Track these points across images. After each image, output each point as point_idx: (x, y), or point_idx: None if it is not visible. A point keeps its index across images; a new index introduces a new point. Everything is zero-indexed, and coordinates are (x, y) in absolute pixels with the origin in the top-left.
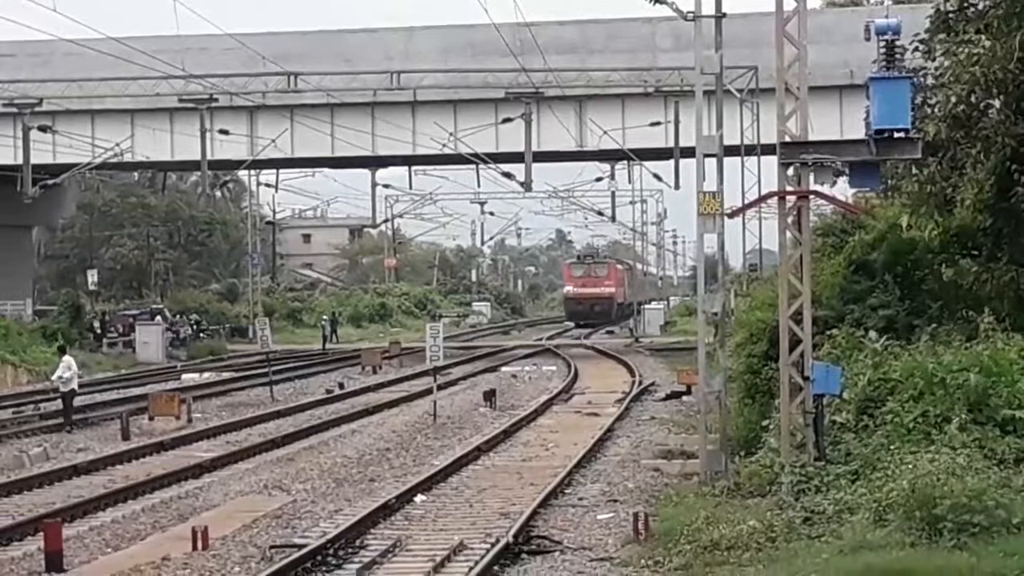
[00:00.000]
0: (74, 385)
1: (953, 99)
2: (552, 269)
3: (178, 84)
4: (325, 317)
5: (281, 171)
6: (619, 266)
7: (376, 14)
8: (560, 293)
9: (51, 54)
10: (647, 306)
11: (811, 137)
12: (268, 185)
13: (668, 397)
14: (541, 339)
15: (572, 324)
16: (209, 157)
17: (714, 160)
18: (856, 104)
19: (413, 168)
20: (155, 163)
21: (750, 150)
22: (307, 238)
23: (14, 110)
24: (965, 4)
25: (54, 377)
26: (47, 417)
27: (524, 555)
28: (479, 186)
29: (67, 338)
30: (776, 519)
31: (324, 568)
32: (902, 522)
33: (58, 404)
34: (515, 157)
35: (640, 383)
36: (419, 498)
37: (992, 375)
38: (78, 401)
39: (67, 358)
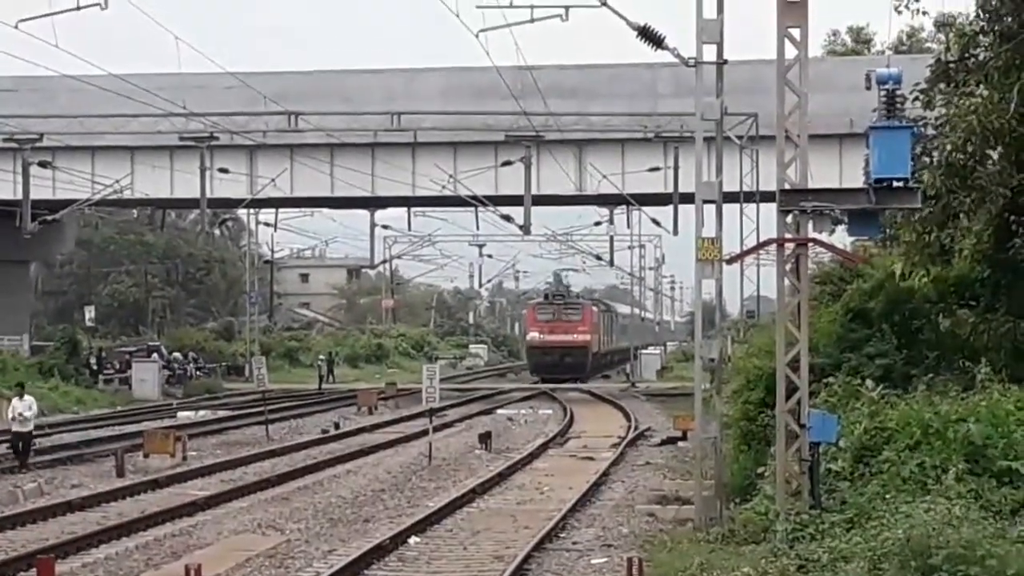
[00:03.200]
0: (31, 427)
1: (949, 147)
2: None
3: (179, 122)
4: (322, 357)
5: (280, 210)
6: (594, 308)
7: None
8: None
9: (52, 90)
10: (644, 351)
11: (810, 185)
12: (267, 224)
13: (664, 442)
14: (537, 382)
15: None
16: (208, 195)
17: (713, 206)
18: (856, 153)
19: (412, 209)
20: (154, 200)
21: (749, 197)
22: (305, 278)
23: (14, 145)
24: (965, 55)
25: (14, 415)
26: (42, 453)
27: None
28: (478, 228)
29: (63, 374)
30: (770, 567)
31: None
32: (897, 572)
33: (55, 440)
34: (514, 200)
35: (636, 428)
36: (413, 540)
37: (989, 426)
38: (75, 437)
39: (29, 397)
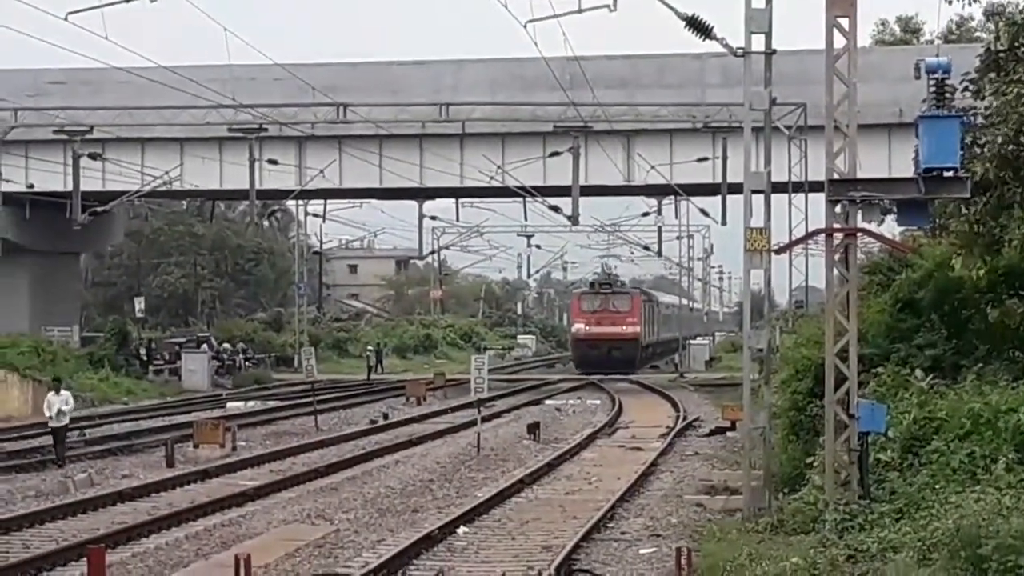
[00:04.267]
0: (67, 420)
1: (1000, 139)
2: None
3: (228, 113)
4: (370, 347)
5: (329, 201)
6: (642, 297)
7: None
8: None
9: (102, 82)
10: (693, 341)
11: (859, 175)
12: (316, 215)
13: (712, 433)
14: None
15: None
16: (257, 187)
17: (762, 196)
18: (905, 143)
19: (460, 200)
20: (204, 192)
21: (798, 187)
22: (353, 269)
23: (65, 137)
24: (1016, 44)
25: (52, 412)
26: (92, 443)
27: None
28: (526, 219)
29: (113, 365)
30: (819, 557)
31: None
32: (946, 562)
33: (105, 430)
34: (562, 191)
35: (684, 418)
36: (462, 530)
37: None
38: (125, 427)
39: (65, 392)
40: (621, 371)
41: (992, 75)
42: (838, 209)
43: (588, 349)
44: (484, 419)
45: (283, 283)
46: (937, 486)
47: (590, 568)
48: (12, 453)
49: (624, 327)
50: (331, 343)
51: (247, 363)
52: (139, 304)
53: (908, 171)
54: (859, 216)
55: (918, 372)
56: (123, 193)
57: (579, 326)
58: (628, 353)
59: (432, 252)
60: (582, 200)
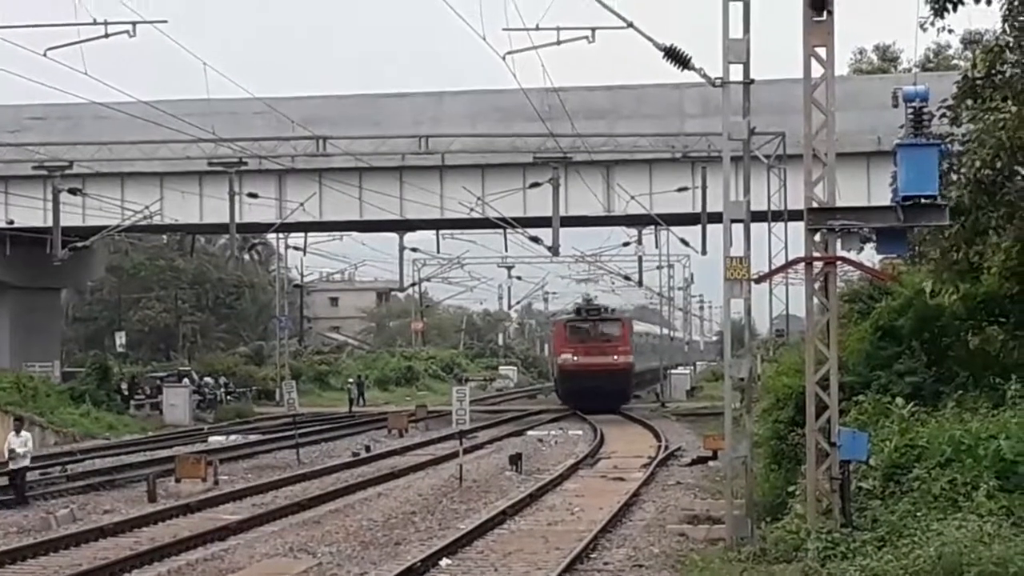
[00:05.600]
0: (27, 462)
1: (978, 163)
2: None
3: (208, 147)
4: (351, 380)
5: (309, 234)
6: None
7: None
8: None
9: (81, 117)
10: (674, 371)
11: (839, 203)
12: (296, 248)
13: (694, 462)
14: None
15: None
16: (238, 220)
17: (741, 225)
18: (884, 170)
19: (441, 232)
20: (184, 226)
21: (777, 216)
22: (334, 301)
23: (44, 173)
24: (992, 71)
25: (10, 451)
26: (74, 478)
27: None
28: (506, 250)
29: (94, 400)
30: None
31: None
32: None
33: (87, 466)
34: (542, 221)
35: (666, 448)
36: (444, 562)
37: (1020, 442)
38: (107, 462)
39: (25, 433)
40: (611, 405)
41: (969, 102)
42: (817, 238)
43: (576, 381)
44: (466, 451)
45: (264, 316)
46: (919, 514)
47: None
48: None
49: (615, 356)
50: (312, 376)
51: (228, 397)
52: (120, 339)
53: (887, 199)
54: (839, 244)
55: (899, 400)
56: (103, 228)
57: (566, 356)
58: (619, 384)
59: (413, 284)
60: (562, 231)
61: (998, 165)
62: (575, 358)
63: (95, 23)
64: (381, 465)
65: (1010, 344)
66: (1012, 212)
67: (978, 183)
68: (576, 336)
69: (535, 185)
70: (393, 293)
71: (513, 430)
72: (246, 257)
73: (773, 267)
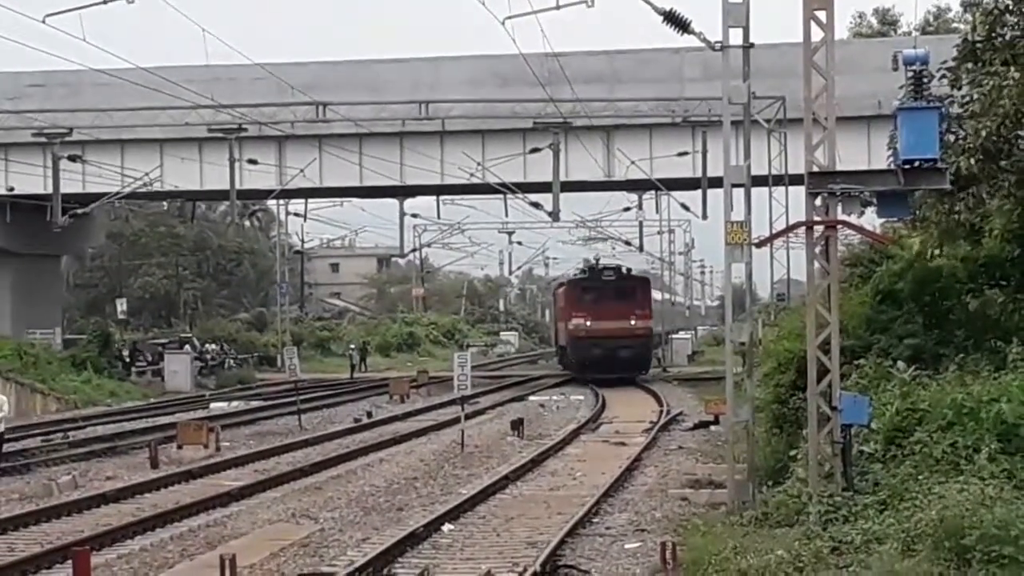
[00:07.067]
0: (2, 428)
1: (984, 132)
2: None
3: (207, 114)
4: (353, 346)
5: (309, 200)
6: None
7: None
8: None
9: (81, 84)
10: (675, 336)
11: (839, 167)
12: (296, 215)
13: (696, 427)
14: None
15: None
16: (238, 187)
17: (742, 190)
18: (884, 134)
19: (441, 198)
20: (184, 192)
21: (778, 180)
22: (335, 267)
23: (44, 140)
24: (992, 34)
25: None
26: (76, 445)
27: None
28: (507, 216)
29: (96, 367)
30: (804, 549)
31: None
32: (930, 552)
33: (89, 432)
34: (543, 187)
35: (668, 413)
36: (446, 527)
37: (1022, 405)
38: (109, 429)
39: (1, 397)
40: (629, 373)
41: (969, 65)
42: (818, 202)
43: (590, 349)
44: (468, 416)
45: (265, 283)
46: (920, 477)
47: (575, 564)
48: None
49: (635, 321)
50: (314, 342)
51: (233, 363)
52: (121, 306)
53: (887, 163)
54: (839, 208)
55: (900, 363)
56: (103, 195)
57: (578, 321)
58: (639, 352)
59: (414, 250)
60: (563, 196)
61: (1004, 133)
62: (588, 323)
63: None
64: (383, 431)
65: (1011, 307)
66: (1021, 179)
67: (985, 151)
68: (590, 298)
69: (535, 150)
70: (394, 259)
71: (514, 395)
72: (247, 223)
73: (774, 231)
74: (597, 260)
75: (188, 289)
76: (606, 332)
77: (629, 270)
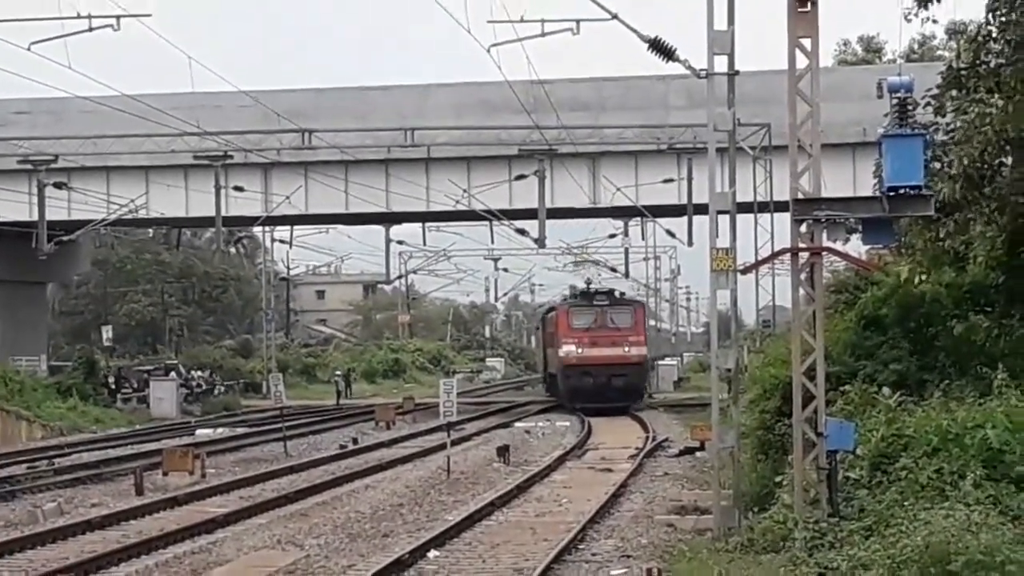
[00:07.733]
0: None
1: (966, 160)
2: None
3: (193, 141)
4: (339, 373)
5: (295, 227)
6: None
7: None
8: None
9: (66, 111)
10: (661, 362)
11: (824, 194)
12: (282, 241)
13: (682, 453)
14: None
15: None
16: (223, 214)
17: (727, 217)
18: (869, 161)
19: (427, 224)
20: (170, 219)
21: (763, 207)
22: (321, 294)
23: (29, 167)
24: (977, 61)
25: None
26: (61, 472)
27: None
28: (493, 242)
29: (81, 393)
30: (789, 575)
31: None
32: None
33: (74, 459)
34: (529, 213)
35: (654, 439)
36: (432, 553)
37: (1007, 431)
38: (94, 456)
39: None
40: (622, 403)
41: (954, 92)
42: (803, 228)
43: (581, 378)
44: (454, 442)
45: (250, 310)
46: (906, 503)
47: None
48: None
49: (628, 348)
50: (300, 369)
51: (221, 389)
52: (106, 333)
53: (872, 189)
54: (824, 235)
55: (885, 389)
56: (89, 222)
57: (569, 348)
58: (633, 382)
59: (399, 276)
60: (548, 222)
61: (986, 160)
62: (580, 350)
63: (79, 17)
64: (369, 457)
65: (995, 333)
66: (1003, 205)
67: (968, 178)
68: (581, 323)
69: (521, 177)
70: (379, 286)
71: (500, 422)
72: (232, 250)
73: (759, 258)
74: (588, 283)
75: (174, 316)
76: (599, 360)
77: (623, 294)
